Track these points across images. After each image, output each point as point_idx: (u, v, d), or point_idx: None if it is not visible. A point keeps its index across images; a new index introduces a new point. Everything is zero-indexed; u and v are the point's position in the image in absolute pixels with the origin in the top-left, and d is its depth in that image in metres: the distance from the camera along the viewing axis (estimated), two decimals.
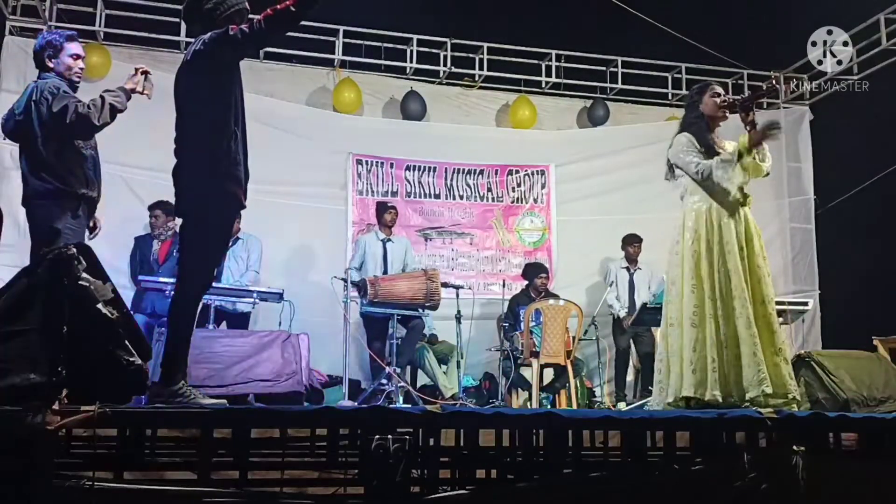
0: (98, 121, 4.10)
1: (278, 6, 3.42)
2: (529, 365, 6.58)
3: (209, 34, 3.50)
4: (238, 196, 3.61)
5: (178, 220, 3.75)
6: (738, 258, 4.12)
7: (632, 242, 7.68)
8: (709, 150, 4.25)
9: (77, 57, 4.33)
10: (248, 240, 6.85)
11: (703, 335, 4.10)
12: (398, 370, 6.13)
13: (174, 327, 3.56)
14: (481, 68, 8.39)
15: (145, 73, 4.31)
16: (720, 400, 4.01)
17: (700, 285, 4.15)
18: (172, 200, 3.74)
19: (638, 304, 7.24)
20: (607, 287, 7.67)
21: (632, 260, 7.70)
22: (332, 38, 7.93)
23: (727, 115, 4.29)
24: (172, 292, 3.67)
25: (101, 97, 4.16)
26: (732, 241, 4.14)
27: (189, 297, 3.57)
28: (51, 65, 4.25)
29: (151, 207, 6.59)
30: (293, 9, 3.37)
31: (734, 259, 4.12)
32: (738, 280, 4.09)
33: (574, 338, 6.65)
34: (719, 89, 4.37)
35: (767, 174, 4.30)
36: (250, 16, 3.52)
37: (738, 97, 4.38)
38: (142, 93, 4.28)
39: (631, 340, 7.45)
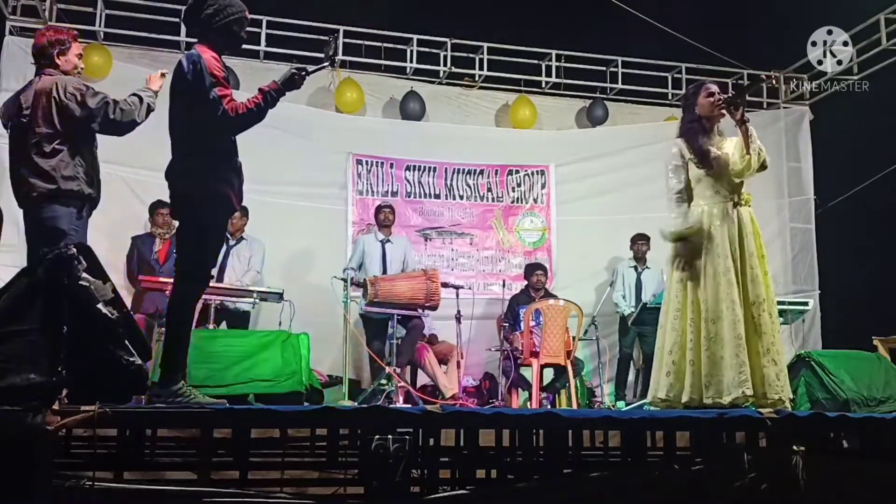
0: (139, 118, 4.10)
1: (248, 102, 3.50)
2: (529, 365, 6.58)
3: (198, 66, 3.49)
4: (230, 198, 3.63)
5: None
6: (729, 260, 4.09)
7: (638, 241, 7.67)
8: (700, 158, 4.21)
9: (80, 56, 4.32)
10: (251, 241, 6.86)
11: (683, 339, 4.11)
12: (398, 370, 6.13)
13: (173, 328, 3.56)
14: (481, 68, 8.39)
15: (164, 74, 4.32)
16: (694, 403, 4.00)
17: (685, 289, 4.16)
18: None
19: (641, 304, 7.23)
20: (609, 286, 7.66)
21: (640, 259, 7.69)
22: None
23: (723, 113, 4.23)
24: (177, 292, 3.62)
25: (139, 96, 4.15)
26: (723, 244, 4.12)
27: (187, 297, 3.58)
28: (59, 62, 4.19)
29: (161, 205, 6.46)
30: (261, 103, 3.52)
31: (723, 262, 4.09)
32: (726, 283, 4.06)
33: (574, 338, 6.64)
34: (714, 88, 4.29)
35: (765, 167, 4.21)
36: (223, 103, 3.47)
37: (729, 94, 4.33)
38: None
39: (636, 340, 7.45)
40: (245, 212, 6.56)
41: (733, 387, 3.93)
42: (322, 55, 3.82)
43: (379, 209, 7.20)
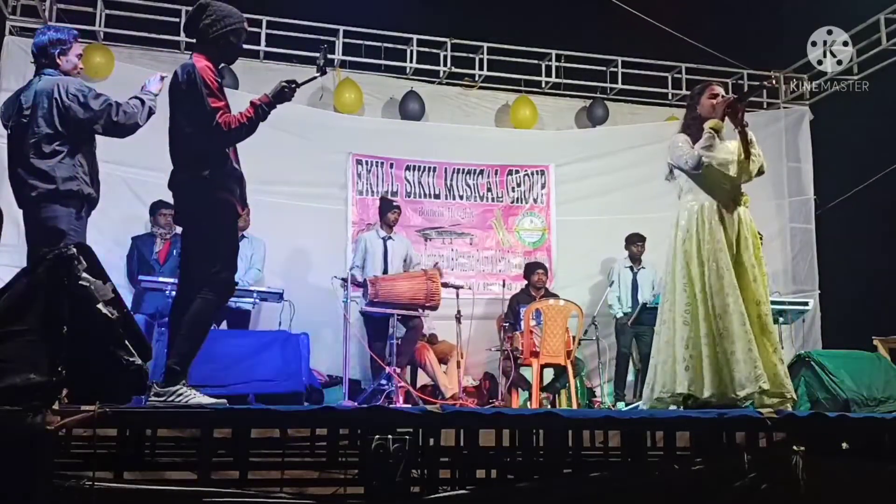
0: (141, 121, 4.11)
1: (241, 116, 3.56)
2: (529, 365, 6.58)
3: (192, 76, 3.51)
4: (234, 205, 3.65)
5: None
6: (729, 256, 4.12)
7: (635, 241, 7.67)
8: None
9: (80, 57, 4.31)
10: (252, 239, 6.86)
11: (695, 332, 4.11)
12: (398, 370, 6.13)
13: (193, 333, 3.54)
14: (481, 68, 8.39)
15: (164, 77, 4.32)
16: (714, 399, 4.01)
17: (691, 283, 4.16)
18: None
19: (641, 304, 7.22)
20: (609, 285, 7.66)
21: (635, 259, 7.68)
22: (332, 38, 7.93)
23: (724, 116, 4.25)
24: (199, 299, 3.56)
25: (140, 99, 4.14)
26: (723, 240, 4.14)
27: (205, 306, 3.56)
28: (60, 62, 4.17)
29: (163, 205, 6.43)
30: (253, 117, 3.59)
31: (725, 257, 4.11)
32: (729, 277, 4.08)
33: (574, 338, 6.64)
34: (718, 90, 4.32)
35: (762, 172, 4.27)
36: (216, 116, 3.52)
37: (731, 96, 4.34)
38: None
39: (633, 340, 7.44)
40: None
41: (748, 382, 3.95)
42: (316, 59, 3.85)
43: (388, 207, 7.06)
